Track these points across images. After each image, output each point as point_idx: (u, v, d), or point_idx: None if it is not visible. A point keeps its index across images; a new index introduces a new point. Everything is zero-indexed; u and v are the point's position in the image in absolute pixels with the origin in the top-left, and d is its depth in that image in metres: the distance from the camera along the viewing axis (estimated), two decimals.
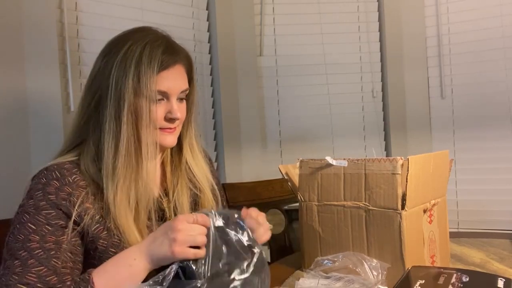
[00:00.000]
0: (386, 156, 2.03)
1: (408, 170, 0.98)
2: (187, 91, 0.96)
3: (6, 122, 1.30)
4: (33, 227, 0.80)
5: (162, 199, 0.98)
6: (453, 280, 0.88)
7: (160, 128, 0.91)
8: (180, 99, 0.94)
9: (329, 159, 1.10)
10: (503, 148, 1.99)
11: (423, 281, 0.88)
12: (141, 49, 0.87)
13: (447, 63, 2.09)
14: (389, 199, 1.00)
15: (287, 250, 2.00)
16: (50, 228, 0.81)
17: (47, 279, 0.78)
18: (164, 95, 0.90)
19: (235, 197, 1.79)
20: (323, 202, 1.12)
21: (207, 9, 1.97)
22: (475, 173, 2.04)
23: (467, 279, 0.89)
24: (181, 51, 0.95)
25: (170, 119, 0.91)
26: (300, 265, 1.19)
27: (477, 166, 2.04)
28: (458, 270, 0.94)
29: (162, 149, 0.97)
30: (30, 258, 0.78)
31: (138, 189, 0.88)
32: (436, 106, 2.12)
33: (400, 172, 1.00)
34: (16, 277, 0.76)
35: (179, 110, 0.92)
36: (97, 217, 0.86)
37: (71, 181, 0.85)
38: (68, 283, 0.80)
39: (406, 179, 0.98)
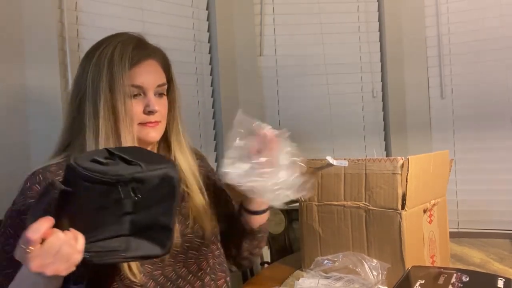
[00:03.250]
0: (386, 156, 2.03)
1: (408, 170, 0.98)
2: (165, 86, 0.97)
3: (5, 122, 1.30)
4: (12, 231, 0.84)
5: None
6: (453, 280, 0.89)
7: (142, 124, 0.93)
8: (159, 94, 0.96)
9: (329, 159, 1.10)
10: (503, 148, 1.99)
11: (423, 281, 0.88)
12: (113, 48, 0.91)
13: (447, 63, 2.09)
14: (389, 199, 1.01)
15: (287, 250, 2.00)
16: None
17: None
18: (141, 90, 0.92)
19: (234, 197, 1.79)
20: (323, 202, 1.12)
21: (207, 9, 1.97)
22: (475, 173, 2.04)
23: (467, 279, 0.89)
24: (153, 48, 0.98)
25: (149, 112, 0.93)
26: (300, 265, 1.19)
27: (477, 166, 2.04)
28: (458, 270, 0.94)
29: (146, 144, 0.97)
30: (3, 261, 0.82)
31: None
32: (436, 106, 2.12)
33: (400, 172, 1.00)
34: None
35: (157, 103, 0.94)
36: None
37: None
38: None
39: (406, 179, 0.98)
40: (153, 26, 1.71)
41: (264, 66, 2.09)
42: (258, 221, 1.04)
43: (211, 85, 1.99)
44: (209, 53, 1.97)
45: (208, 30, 1.98)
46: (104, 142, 0.88)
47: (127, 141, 0.89)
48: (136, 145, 0.91)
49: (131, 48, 0.92)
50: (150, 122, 0.93)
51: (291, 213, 2.08)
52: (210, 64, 1.98)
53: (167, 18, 1.79)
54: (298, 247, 1.22)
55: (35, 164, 0.92)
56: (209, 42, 1.98)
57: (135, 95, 0.92)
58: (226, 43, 1.98)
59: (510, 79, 1.97)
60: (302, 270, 1.16)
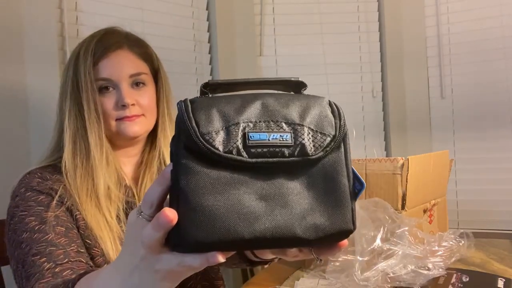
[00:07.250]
0: (386, 156, 2.03)
1: (408, 170, 0.98)
2: (142, 75, 0.91)
3: (5, 122, 1.30)
4: (26, 212, 0.81)
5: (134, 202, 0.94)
6: (453, 280, 0.89)
7: (119, 119, 0.88)
8: (137, 84, 0.90)
9: None
10: (503, 148, 1.99)
11: None
12: (80, 46, 0.89)
13: (447, 63, 2.09)
14: (389, 199, 1.00)
15: None
16: (42, 207, 0.81)
17: (57, 241, 0.77)
18: (109, 83, 0.88)
19: None
20: None
21: (207, 9, 1.97)
22: (475, 173, 2.04)
23: (467, 279, 0.89)
24: (126, 37, 0.92)
25: (121, 106, 0.87)
26: (300, 265, 1.19)
27: (477, 166, 2.04)
28: (458, 270, 0.94)
29: (128, 140, 0.92)
30: (34, 234, 0.78)
31: (94, 179, 0.86)
32: (436, 106, 2.12)
33: (400, 172, 1.00)
34: (28, 254, 0.76)
35: (134, 95, 0.88)
36: (78, 206, 0.85)
37: (52, 177, 0.87)
38: (74, 253, 0.78)
39: (406, 179, 0.98)
40: (153, 26, 1.71)
41: (264, 66, 2.09)
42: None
43: None
44: (209, 53, 1.97)
45: (208, 30, 1.98)
46: (71, 140, 0.86)
47: (94, 140, 0.86)
48: (109, 144, 0.88)
49: (95, 41, 0.87)
50: (127, 117, 0.88)
51: None
52: (210, 64, 1.98)
53: (167, 18, 1.79)
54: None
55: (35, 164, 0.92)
56: (209, 42, 1.98)
57: (105, 88, 0.87)
58: (226, 43, 1.98)
59: (510, 79, 1.97)
60: (302, 270, 1.16)
